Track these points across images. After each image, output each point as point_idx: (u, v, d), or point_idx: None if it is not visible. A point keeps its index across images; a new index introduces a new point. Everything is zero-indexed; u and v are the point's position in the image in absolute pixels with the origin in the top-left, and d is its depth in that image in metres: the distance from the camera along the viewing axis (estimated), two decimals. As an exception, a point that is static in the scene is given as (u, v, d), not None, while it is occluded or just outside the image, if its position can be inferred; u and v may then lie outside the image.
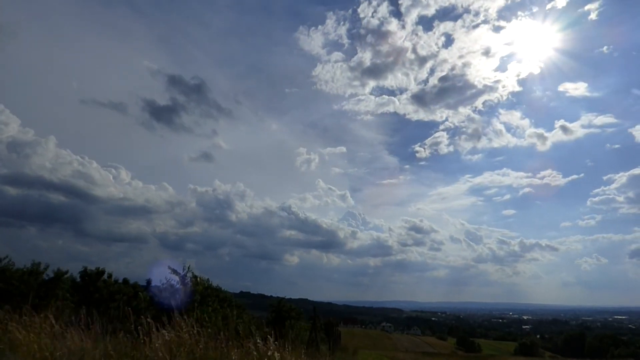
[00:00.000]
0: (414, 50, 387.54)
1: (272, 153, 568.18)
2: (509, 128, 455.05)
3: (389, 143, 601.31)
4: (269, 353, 5.41)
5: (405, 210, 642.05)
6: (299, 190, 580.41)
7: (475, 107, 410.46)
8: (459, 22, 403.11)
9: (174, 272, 11.92)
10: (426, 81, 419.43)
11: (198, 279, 12.52)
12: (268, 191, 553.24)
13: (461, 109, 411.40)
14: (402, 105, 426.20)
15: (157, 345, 5.18)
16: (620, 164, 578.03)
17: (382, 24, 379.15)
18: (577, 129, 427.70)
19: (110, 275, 18.57)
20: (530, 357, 70.07)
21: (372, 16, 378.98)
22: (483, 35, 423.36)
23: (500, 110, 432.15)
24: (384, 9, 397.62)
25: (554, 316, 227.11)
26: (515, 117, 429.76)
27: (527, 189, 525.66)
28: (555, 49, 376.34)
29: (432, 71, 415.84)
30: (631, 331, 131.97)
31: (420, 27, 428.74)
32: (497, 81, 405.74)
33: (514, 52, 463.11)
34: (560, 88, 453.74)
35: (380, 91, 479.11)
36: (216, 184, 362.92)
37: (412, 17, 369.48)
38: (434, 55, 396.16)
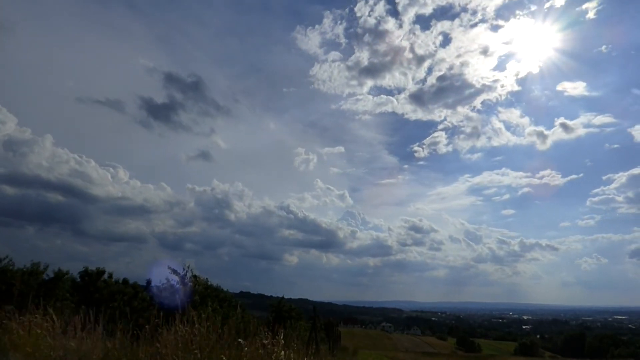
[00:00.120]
0: (412, 50, 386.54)
1: (270, 152, 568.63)
2: (508, 126, 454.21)
3: (388, 143, 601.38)
4: (276, 350, 5.43)
5: (405, 210, 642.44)
6: (298, 190, 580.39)
7: (474, 107, 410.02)
8: (457, 21, 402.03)
9: (174, 272, 11.94)
10: (424, 81, 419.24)
11: (198, 279, 12.54)
12: (266, 191, 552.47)
13: (460, 109, 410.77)
14: (401, 105, 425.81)
15: (157, 345, 5.19)
16: (619, 164, 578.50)
17: (379, 23, 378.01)
18: (576, 128, 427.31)
19: (110, 275, 18.58)
20: (530, 357, 70.12)
21: (369, 15, 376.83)
22: (481, 35, 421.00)
23: (500, 109, 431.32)
24: (381, 7, 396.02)
25: (554, 316, 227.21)
26: (514, 115, 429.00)
27: (526, 189, 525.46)
28: (553, 48, 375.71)
29: (430, 70, 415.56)
30: (631, 331, 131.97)
31: (417, 26, 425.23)
32: (496, 80, 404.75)
33: (513, 51, 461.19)
34: (559, 87, 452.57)
35: (378, 91, 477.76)
36: (214, 184, 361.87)
37: (409, 16, 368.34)
38: (432, 55, 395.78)
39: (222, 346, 5.39)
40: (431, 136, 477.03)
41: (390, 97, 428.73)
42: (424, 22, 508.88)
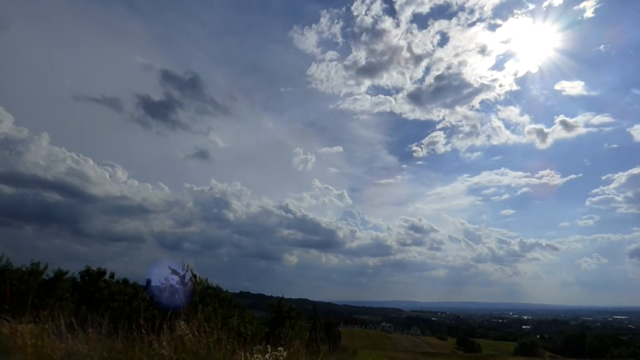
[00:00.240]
0: (409, 49, 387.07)
1: (268, 152, 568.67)
2: (507, 125, 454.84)
3: (386, 142, 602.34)
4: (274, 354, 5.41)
5: (404, 209, 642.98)
6: (296, 190, 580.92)
7: (473, 106, 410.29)
8: (454, 20, 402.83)
9: (174, 272, 11.92)
10: (422, 80, 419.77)
11: (197, 279, 12.52)
12: (265, 190, 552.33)
13: (458, 108, 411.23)
14: (399, 105, 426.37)
15: (158, 345, 5.18)
16: (618, 164, 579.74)
17: (376, 22, 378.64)
18: (577, 127, 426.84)
19: (112, 275, 18.53)
20: (530, 357, 70.05)
21: (366, 14, 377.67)
22: (479, 34, 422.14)
23: (499, 107, 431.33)
24: (378, 6, 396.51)
25: (554, 316, 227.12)
26: (513, 113, 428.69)
27: (525, 189, 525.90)
28: (552, 47, 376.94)
29: (427, 70, 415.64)
30: (631, 331, 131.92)
31: (414, 26, 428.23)
32: (494, 80, 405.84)
33: (511, 51, 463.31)
34: (557, 87, 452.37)
35: (375, 90, 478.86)
36: (212, 183, 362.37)
37: (406, 15, 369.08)
38: (430, 54, 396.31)
39: (222, 348, 5.38)
40: (430, 136, 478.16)
41: (388, 97, 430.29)
42: (421, 21, 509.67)
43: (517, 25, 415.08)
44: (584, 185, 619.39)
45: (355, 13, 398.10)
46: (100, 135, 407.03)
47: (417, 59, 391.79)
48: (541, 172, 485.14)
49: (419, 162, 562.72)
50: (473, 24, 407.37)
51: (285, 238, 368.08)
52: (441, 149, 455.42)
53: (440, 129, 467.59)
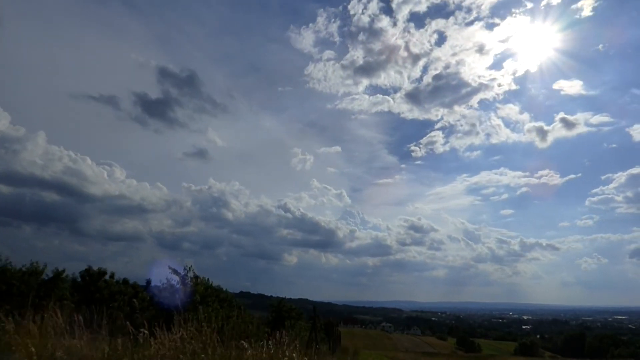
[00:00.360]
0: (407, 48, 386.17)
1: (266, 151, 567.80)
2: (507, 123, 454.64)
3: (386, 142, 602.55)
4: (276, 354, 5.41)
5: (403, 209, 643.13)
6: (295, 189, 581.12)
7: (471, 106, 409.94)
8: (451, 19, 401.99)
9: (174, 272, 11.92)
10: (420, 79, 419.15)
11: (198, 279, 12.52)
12: (263, 190, 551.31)
13: (456, 108, 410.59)
14: (397, 104, 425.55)
15: (159, 346, 5.17)
16: (618, 164, 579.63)
17: (373, 21, 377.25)
18: (577, 125, 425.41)
19: (112, 275, 18.53)
20: (530, 357, 70.07)
21: (363, 13, 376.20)
22: (477, 33, 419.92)
23: (498, 105, 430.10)
24: (374, 5, 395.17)
25: (554, 316, 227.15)
26: (513, 111, 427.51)
27: (524, 189, 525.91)
28: (550, 46, 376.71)
29: (425, 69, 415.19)
30: (631, 331, 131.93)
31: (412, 25, 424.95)
32: (493, 79, 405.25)
33: (509, 50, 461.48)
34: (556, 86, 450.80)
35: (373, 90, 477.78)
36: (211, 182, 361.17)
37: (403, 14, 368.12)
38: (427, 53, 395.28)
39: (222, 348, 5.37)
40: (428, 135, 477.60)
41: (386, 97, 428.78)
42: (418, 20, 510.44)
43: (515, 24, 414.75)
44: (583, 185, 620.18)
45: (352, 12, 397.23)
46: (98, 134, 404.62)
47: (415, 58, 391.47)
48: (540, 172, 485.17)
49: (418, 162, 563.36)
50: (471, 23, 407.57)
51: (285, 238, 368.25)
52: (440, 148, 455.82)
53: (438, 129, 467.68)
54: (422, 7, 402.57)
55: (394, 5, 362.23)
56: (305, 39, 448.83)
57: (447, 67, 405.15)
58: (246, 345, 5.36)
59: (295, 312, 24.15)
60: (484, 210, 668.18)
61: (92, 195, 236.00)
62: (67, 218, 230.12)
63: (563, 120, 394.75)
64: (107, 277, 18.28)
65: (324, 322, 30.27)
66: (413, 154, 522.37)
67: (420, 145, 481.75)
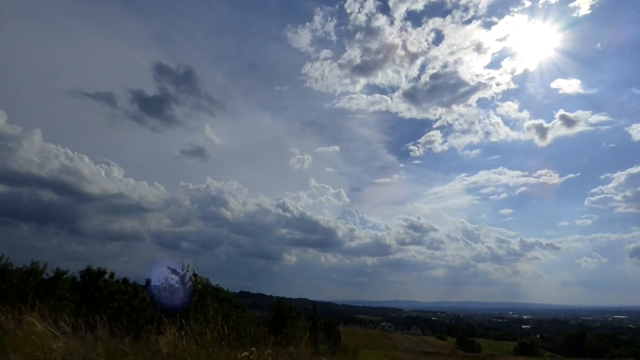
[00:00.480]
0: (404, 47, 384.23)
1: (264, 150, 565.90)
2: (506, 122, 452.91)
3: (384, 141, 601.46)
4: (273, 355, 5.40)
5: (402, 208, 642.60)
6: (293, 189, 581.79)
7: (469, 105, 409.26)
8: (448, 18, 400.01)
9: (174, 271, 11.91)
10: (417, 79, 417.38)
11: (197, 279, 12.52)
12: (261, 189, 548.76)
13: (454, 107, 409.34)
14: (395, 104, 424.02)
15: (159, 346, 5.17)
16: (616, 163, 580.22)
17: (369, 19, 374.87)
18: (577, 122, 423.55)
19: (112, 275, 18.51)
20: (530, 356, 70.07)
21: (359, 12, 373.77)
22: (474, 32, 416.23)
23: (497, 104, 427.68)
24: (371, 4, 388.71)
25: (554, 316, 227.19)
26: (512, 109, 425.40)
27: (523, 188, 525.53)
28: (548, 45, 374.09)
29: (423, 68, 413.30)
30: (631, 331, 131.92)
31: (409, 23, 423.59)
32: (491, 78, 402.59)
33: (507, 49, 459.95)
34: (554, 85, 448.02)
35: (371, 89, 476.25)
36: (209, 181, 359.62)
37: (400, 12, 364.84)
38: (425, 52, 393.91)
39: (222, 348, 5.37)
40: (426, 135, 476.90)
41: (384, 96, 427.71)
42: (415, 18, 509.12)
43: (513, 23, 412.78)
44: (582, 184, 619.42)
45: (348, 10, 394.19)
46: (95, 132, 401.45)
47: (412, 57, 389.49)
48: (539, 172, 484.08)
49: (416, 162, 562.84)
50: (468, 21, 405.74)
51: (283, 237, 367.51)
52: (438, 148, 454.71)
53: (436, 128, 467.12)
54: (419, 6, 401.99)
55: (390, 4, 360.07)
56: (302, 38, 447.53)
57: (444, 66, 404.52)
58: (248, 349, 5.36)
59: (295, 312, 24.15)
60: (483, 210, 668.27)
61: (90, 195, 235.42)
62: (66, 217, 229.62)
63: (563, 117, 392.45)
64: (106, 276, 18.26)
65: (324, 321, 30.30)
66: (411, 154, 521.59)
67: (419, 145, 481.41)
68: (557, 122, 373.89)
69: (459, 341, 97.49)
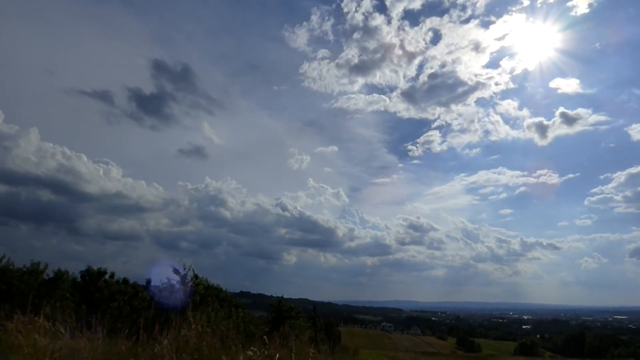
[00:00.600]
0: (402, 47, 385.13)
1: (263, 149, 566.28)
2: (506, 120, 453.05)
3: (384, 141, 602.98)
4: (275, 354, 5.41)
5: (402, 208, 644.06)
6: (292, 188, 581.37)
7: (468, 104, 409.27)
8: (446, 17, 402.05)
9: (174, 271, 11.91)
10: (416, 78, 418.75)
11: (198, 279, 12.52)
12: (260, 188, 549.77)
13: (453, 107, 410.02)
14: (393, 104, 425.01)
15: (159, 345, 5.17)
16: (616, 163, 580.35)
17: (366, 19, 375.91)
18: (577, 120, 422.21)
19: (112, 275, 18.51)
20: (530, 357, 70.05)
21: (356, 11, 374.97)
22: (472, 31, 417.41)
23: (496, 102, 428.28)
24: (368, 3, 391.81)
25: (554, 316, 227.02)
26: (511, 108, 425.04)
27: (523, 188, 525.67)
28: (547, 44, 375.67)
29: (421, 68, 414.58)
30: (631, 331, 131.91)
31: (406, 23, 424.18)
32: (490, 78, 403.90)
33: (505, 48, 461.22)
34: (552, 84, 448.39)
35: (369, 89, 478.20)
36: (207, 181, 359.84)
37: (397, 11, 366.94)
38: (422, 52, 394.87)
39: (222, 348, 5.37)
40: (425, 135, 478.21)
41: (382, 96, 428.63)
42: (412, 18, 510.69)
43: (511, 22, 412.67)
44: (581, 184, 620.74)
45: (345, 10, 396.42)
46: (92, 131, 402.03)
47: (410, 56, 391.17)
48: (539, 172, 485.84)
49: (415, 161, 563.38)
50: (466, 20, 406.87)
51: (283, 237, 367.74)
52: (437, 147, 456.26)
53: (435, 128, 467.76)
54: (416, 5, 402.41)
55: (387, 3, 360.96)
56: (300, 38, 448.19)
57: (443, 65, 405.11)
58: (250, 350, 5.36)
59: (295, 312, 24.13)
60: (482, 210, 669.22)
61: (88, 194, 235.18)
62: (64, 217, 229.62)
63: (563, 114, 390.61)
64: (107, 276, 18.26)
65: (324, 321, 30.31)
66: (410, 154, 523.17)
67: (417, 145, 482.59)
68: (557, 119, 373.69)
69: (459, 341, 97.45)
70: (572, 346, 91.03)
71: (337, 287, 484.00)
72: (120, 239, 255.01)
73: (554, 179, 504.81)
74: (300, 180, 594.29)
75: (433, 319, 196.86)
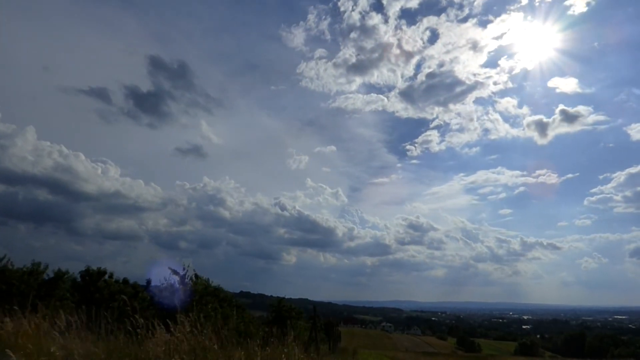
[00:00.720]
0: (399, 46, 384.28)
1: (261, 149, 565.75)
2: (505, 119, 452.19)
3: (383, 141, 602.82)
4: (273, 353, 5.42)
5: (402, 208, 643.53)
6: (291, 188, 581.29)
7: (466, 104, 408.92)
8: (443, 16, 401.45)
9: (174, 271, 11.92)
10: (414, 78, 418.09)
11: (198, 279, 12.54)
12: (259, 188, 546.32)
13: (451, 106, 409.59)
14: (391, 103, 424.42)
15: (158, 345, 5.18)
16: (615, 163, 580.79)
17: (363, 18, 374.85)
18: (570, 126, 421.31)
19: (111, 275, 18.55)
20: (530, 357, 70.03)
21: (353, 10, 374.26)
22: (470, 30, 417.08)
23: (496, 100, 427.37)
24: (364, 2, 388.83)
25: (554, 316, 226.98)
26: (511, 105, 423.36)
27: (522, 188, 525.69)
28: (545, 44, 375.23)
29: (418, 67, 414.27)
30: (631, 331, 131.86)
31: (403, 22, 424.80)
32: (488, 77, 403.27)
33: (504, 47, 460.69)
34: (550, 84, 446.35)
35: (367, 88, 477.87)
36: (205, 180, 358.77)
37: (394, 10, 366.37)
38: (420, 51, 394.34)
39: (221, 348, 5.38)
40: (424, 134, 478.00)
41: (381, 95, 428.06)
42: (409, 17, 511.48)
43: (509, 21, 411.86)
44: (580, 184, 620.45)
45: (342, 9, 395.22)
46: (90, 130, 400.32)
47: (408, 56, 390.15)
48: (538, 172, 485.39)
49: (414, 161, 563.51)
50: (464, 20, 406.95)
51: (282, 237, 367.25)
52: (435, 147, 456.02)
53: (434, 128, 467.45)
54: (414, 4, 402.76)
55: (384, 2, 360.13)
56: (297, 37, 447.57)
57: (440, 65, 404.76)
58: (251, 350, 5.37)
59: (295, 312, 24.16)
60: (482, 210, 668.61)
61: (87, 193, 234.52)
62: (63, 217, 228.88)
63: (563, 112, 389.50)
64: (106, 277, 18.29)
65: (324, 322, 30.33)
66: (409, 153, 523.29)
67: (416, 144, 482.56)
68: (557, 117, 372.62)
69: (459, 341, 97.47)
70: (572, 346, 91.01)
71: (337, 287, 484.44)
72: (119, 239, 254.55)
73: (553, 178, 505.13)
74: (299, 180, 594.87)
75: (433, 319, 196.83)
